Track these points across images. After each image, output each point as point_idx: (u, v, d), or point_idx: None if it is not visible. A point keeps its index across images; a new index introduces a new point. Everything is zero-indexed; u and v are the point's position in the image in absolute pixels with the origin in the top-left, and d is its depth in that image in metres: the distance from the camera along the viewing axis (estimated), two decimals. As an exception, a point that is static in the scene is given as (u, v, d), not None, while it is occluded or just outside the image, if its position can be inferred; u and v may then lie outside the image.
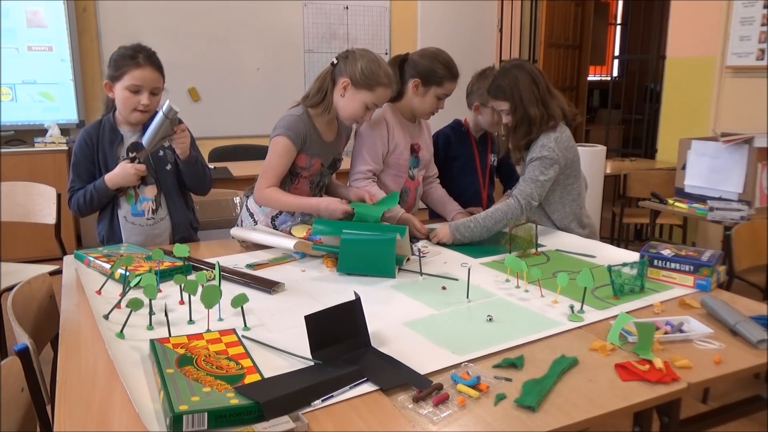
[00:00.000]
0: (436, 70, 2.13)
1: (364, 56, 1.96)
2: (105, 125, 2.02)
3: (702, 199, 3.31)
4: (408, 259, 1.78)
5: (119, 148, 2.01)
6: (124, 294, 1.47)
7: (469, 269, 1.56)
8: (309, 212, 2.04)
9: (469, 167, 2.50)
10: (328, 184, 2.22)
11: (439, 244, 2.01)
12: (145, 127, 2.00)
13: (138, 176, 1.96)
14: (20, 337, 1.35)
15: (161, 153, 2.04)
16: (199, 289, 1.35)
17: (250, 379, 1.07)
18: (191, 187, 2.14)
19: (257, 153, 3.97)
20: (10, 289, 1.61)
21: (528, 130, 2.08)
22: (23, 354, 1.24)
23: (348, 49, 2.02)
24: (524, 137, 2.09)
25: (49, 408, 1.28)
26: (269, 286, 1.57)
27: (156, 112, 1.93)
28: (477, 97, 2.38)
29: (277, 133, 1.99)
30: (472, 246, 1.99)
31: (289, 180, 2.08)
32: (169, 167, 2.06)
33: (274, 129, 2.01)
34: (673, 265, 1.61)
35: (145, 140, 1.93)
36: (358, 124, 2.08)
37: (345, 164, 2.30)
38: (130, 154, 1.99)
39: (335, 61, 2.00)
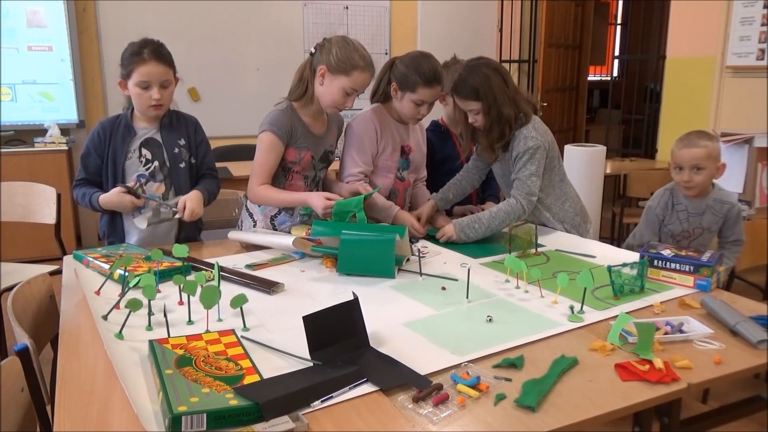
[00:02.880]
0: (409, 76, 2.07)
1: (339, 42, 1.95)
2: (121, 121, 2.02)
3: (702, 199, 3.30)
4: (408, 260, 1.78)
5: (131, 142, 2.01)
6: (123, 294, 1.47)
7: (468, 269, 1.56)
8: (298, 205, 2.05)
9: (457, 167, 2.47)
10: (324, 180, 2.21)
11: (444, 242, 2.03)
12: (161, 124, 2.02)
13: (134, 207, 1.96)
14: (20, 337, 1.34)
15: (176, 150, 2.04)
16: (199, 289, 1.35)
17: (250, 379, 1.07)
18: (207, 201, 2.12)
19: (257, 153, 3.95)
20: (10, 289, 1.61)
21: (502, 132, 2.05)
22: (23, 354, 1.24)
23: (325, 37, 2.00)
24: (500, 139, 2.06)
25: (49, 408, 1.28)
26: (268, 287, 1.57)
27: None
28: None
29: (262, 129, 2.00)
30: (472, 246, 2.00)
31: (283, 177, 2.08)
32: (183, 165, 2.06)
33: (260, 127, 2.01)
34: (673, 266, 1.61)
35: (153, 203, 1.99)
36: (336, 110, 2.04)
37: (339, 163, 2.29)
38: (125, 186, 1.93)
39: (313, 51, 2.00)
